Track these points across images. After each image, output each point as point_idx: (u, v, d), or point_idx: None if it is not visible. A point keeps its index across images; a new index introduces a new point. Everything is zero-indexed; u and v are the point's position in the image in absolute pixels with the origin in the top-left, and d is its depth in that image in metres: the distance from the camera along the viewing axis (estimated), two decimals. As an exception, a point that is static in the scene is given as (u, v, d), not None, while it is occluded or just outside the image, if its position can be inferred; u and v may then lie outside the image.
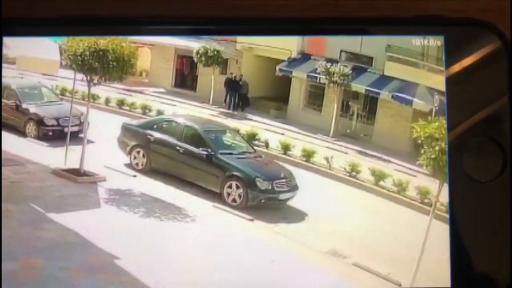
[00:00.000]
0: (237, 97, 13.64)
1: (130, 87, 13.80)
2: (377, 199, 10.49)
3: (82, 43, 8.33)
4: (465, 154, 3.82)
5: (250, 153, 10.52)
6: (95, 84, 9.11)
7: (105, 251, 5.36)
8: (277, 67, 13.84)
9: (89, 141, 9.97)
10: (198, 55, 14.55)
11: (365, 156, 12.83)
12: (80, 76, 8.76)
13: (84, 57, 8.22)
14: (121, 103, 13.84)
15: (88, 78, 8.80)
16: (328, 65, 13.34)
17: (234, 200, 8.85)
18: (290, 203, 9.52)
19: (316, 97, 14.56)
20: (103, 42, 8.49)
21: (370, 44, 12.36)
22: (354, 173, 11.96)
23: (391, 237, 8.14)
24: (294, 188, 9.62)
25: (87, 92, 9.57)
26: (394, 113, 12.66)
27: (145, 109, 13.92)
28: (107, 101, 13.49)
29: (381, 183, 10.99)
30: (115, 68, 8.45)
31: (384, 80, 12.68)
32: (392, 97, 12.59)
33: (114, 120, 11.51)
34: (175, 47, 15.14)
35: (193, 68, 15.28)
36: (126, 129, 11.15)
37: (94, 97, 12.58)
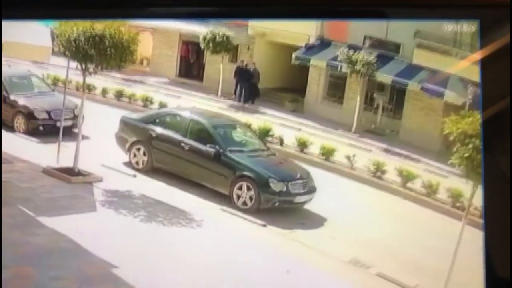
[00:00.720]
0: (249, 88, 13.44)
1: (130, 76, 13.67)
2: (405, 203, 10.26)
3: (77, 27, 8.15)
4: (503, 152, 3.75)
5: (262, 150, 10.28)
6: (90, 73, 8.88)
7: (102, 259, 5.34)
8: (294, 55, 13.74)
9: (84, 137, 9.77)
10: (206, 41, 14.44)
11: (392, 154, 12.65)
12: (74, 64, 8.57)
13: (79, 43, 8.03)
14: (119, 95, 13.74)
15: (83, 66, 8.62)
16: (351, 52, 13.27)
17: (244, 203, 8.66)
18: (307, 206, 9.26)
19: (337, 88, 14.39)
20: (100, 26, 8.23)
21: (398, 30, 12.26)
22: (379, 174, 11.78)
23: (419, 245, 7.93)
24: (311, 189, 9.38)
25: (81, 82, 9.40)
26: (423, 107, 12.51)
27: (146, 101, 13.83)
28: (104, 92, 13.38)
29: (409, 184, 10.80)
30: (113, 55, 8.20)
31: (412, 70, 12.53)
32: (422, 88, 12.47)
33: (112, 114, 11.26)
34: (180, 32, 14.99)
35: (200, 55, 15.14)
36: (125, 123, 10.93)
37: (89, 88, 12.49)
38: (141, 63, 23.43)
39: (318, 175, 9.03)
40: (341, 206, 8.95)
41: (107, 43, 7.38)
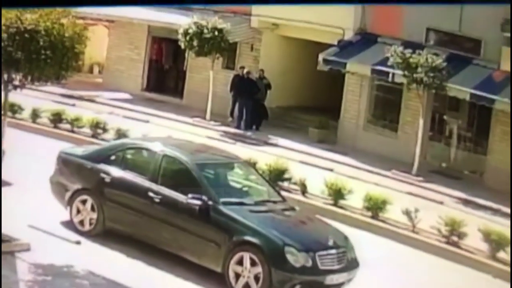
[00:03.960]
0: (253, 107, 13.26)
1: (74, 91, 13.50)
2: (495, 283, 10.06)
3: (-3, 20, 7.81)
4: None
5: (275, 202, 10.12)
6: (16, 87, 8.73)
7: None
8: (321, 56, 13.58)
9: (5, 183, 9.59)
10: (187, 37, 14.33)
11: (473, 208, 12.41)
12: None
13: (0, 43, 7.77)
14: (57, 119, 13.58)
15: (6, 77, 8.42)
16: (407, 52, 13.09)
17: (247, 286, 8.38)
18: (345, 291, 8.78)
19: (387, 106, 14.24)
20: (32, 17, 8.03)
21: (476, 19, 12.19)
22: (454, 238, 11.53)
23: None
24: (351, 264, 9.15)
25: (2, 101, 9.19)
26: (519, 135, 11.80)
27: (97, 127, 13.64)
28: (35, 114, 13.22)
29: (501, 254, 10.61)
30: (49, 59, 8.02)
31: (500, 79, 12.37)
32: (515, 107, 11.79)
33: (46, 147, 11.09)
34: (148, 23, 14.89)
35: (179, 59, 14.99)
36: (64, 162, 10.82)
37: (13, 109, 12.31)
38: (91, 71, 23.31)
39: (361, 241, 8.69)
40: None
41: (41, 42, 7.21)
